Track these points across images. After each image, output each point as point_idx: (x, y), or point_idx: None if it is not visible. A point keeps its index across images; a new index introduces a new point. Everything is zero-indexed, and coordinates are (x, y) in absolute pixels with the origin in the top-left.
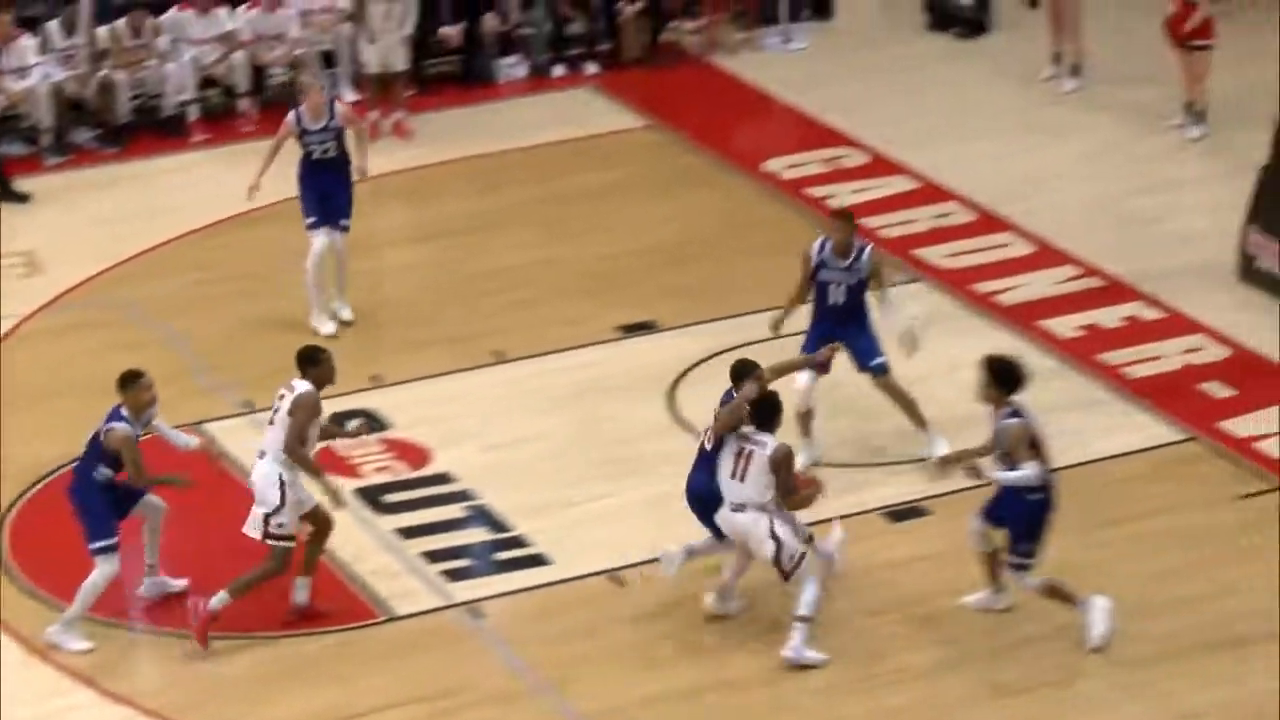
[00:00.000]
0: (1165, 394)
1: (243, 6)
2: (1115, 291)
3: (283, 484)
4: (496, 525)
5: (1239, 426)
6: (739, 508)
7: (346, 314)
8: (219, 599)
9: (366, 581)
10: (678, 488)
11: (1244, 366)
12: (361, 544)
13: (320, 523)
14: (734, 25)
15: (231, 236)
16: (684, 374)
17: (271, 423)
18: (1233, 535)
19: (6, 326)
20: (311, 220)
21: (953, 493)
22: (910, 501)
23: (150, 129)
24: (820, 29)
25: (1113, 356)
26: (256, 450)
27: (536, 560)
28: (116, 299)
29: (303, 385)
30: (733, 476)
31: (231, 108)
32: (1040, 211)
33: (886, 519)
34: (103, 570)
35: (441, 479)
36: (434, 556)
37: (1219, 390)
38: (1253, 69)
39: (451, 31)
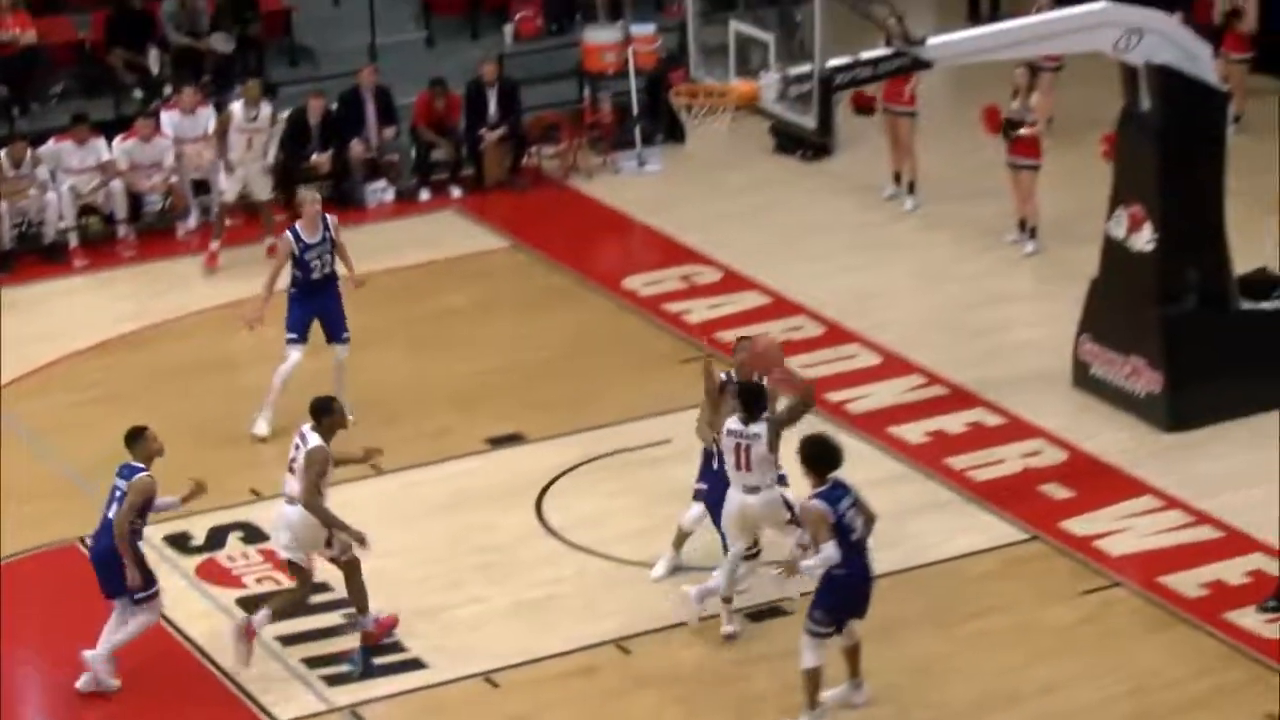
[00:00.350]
0: (1008, 496)
1: (119, 137)
2: (958, 399)
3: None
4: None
5: (1078, 526)
6: (752, 490)
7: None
8: (370, 619)
9: (250, 688)
10: (548, 591)
11: (1081, 469)
12: None
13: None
14: (591, 150)
15: (113, 357)
16: (551, 483)
17: (291, 471)
18: (1073, 629)
19: None
20: (294, 336)
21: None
22: (770, 602)
23: (33, 255)
24: (673, 152)
25: (958, 461)
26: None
27: (414, 664)
28: (4, 418)
29: (314, 438)
30: (738, 468)
31: (110, 234)
32: (885, 324)
33: (747, 620)
34: (147, 619)
35: (321, 588)
36: (315, 662)
37: (1058, 491)
38: (1084, 188)
39: (321, 158)
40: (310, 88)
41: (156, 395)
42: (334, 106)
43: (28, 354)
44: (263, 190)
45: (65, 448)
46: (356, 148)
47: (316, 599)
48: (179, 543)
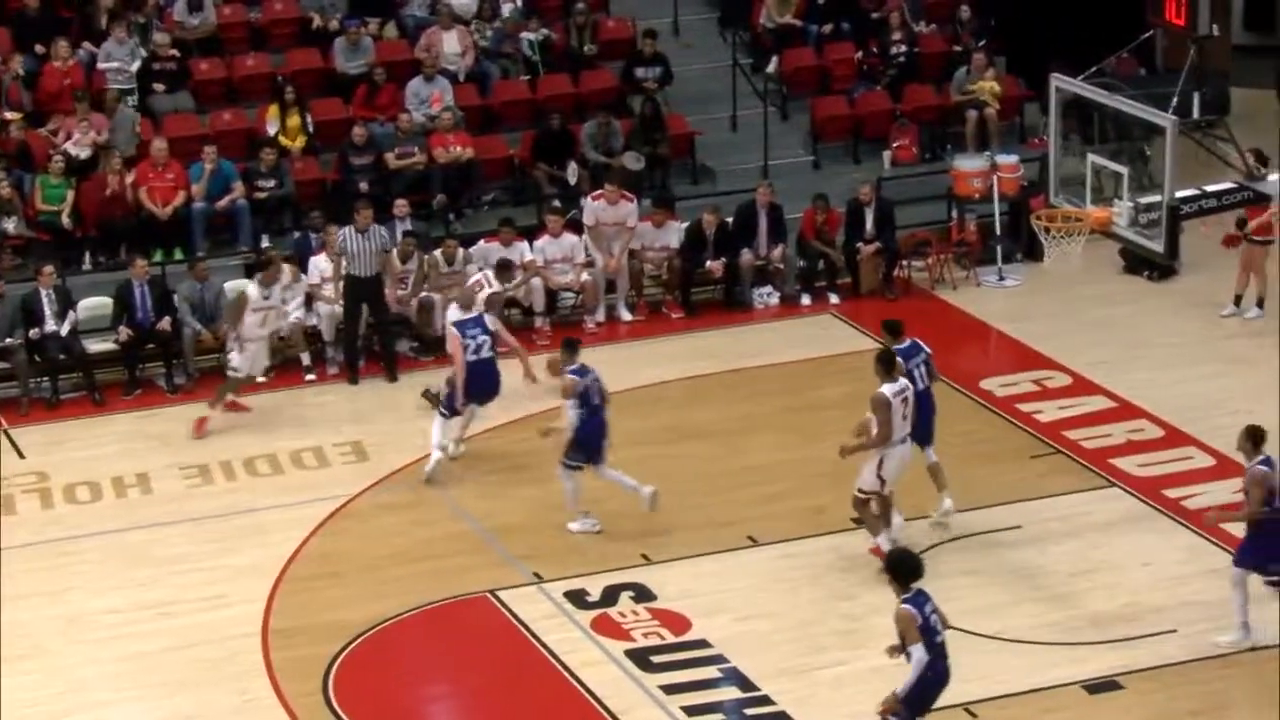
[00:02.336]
0: None
1: (543, 238)
2: None
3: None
4: (746, 685)
5: None
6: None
7: None
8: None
9: None
10: (901, 658)
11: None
12: (633, 698)
13: None
14: (957, 264)
15: (523, 434)
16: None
17: (904, 417)
18: None
19: (335, 505)
20: None
21: (1149, 669)
22: (1105, 676)
23: None
24: (1030, 269)
25: None
26: None
27: (782, 717)
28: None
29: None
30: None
31: (529, 324)
32: (1219, 430)
33: (1084, 691)
34: None
35: (700, 644)
36: (693, 711)
37: None
38: None
39: (715, 265)
40: (707, 203)
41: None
42: (728, 219)
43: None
44: (259, 366)
45: (480, 511)
46: (746, 256)
47: (696, 654)
48: (577, 598)
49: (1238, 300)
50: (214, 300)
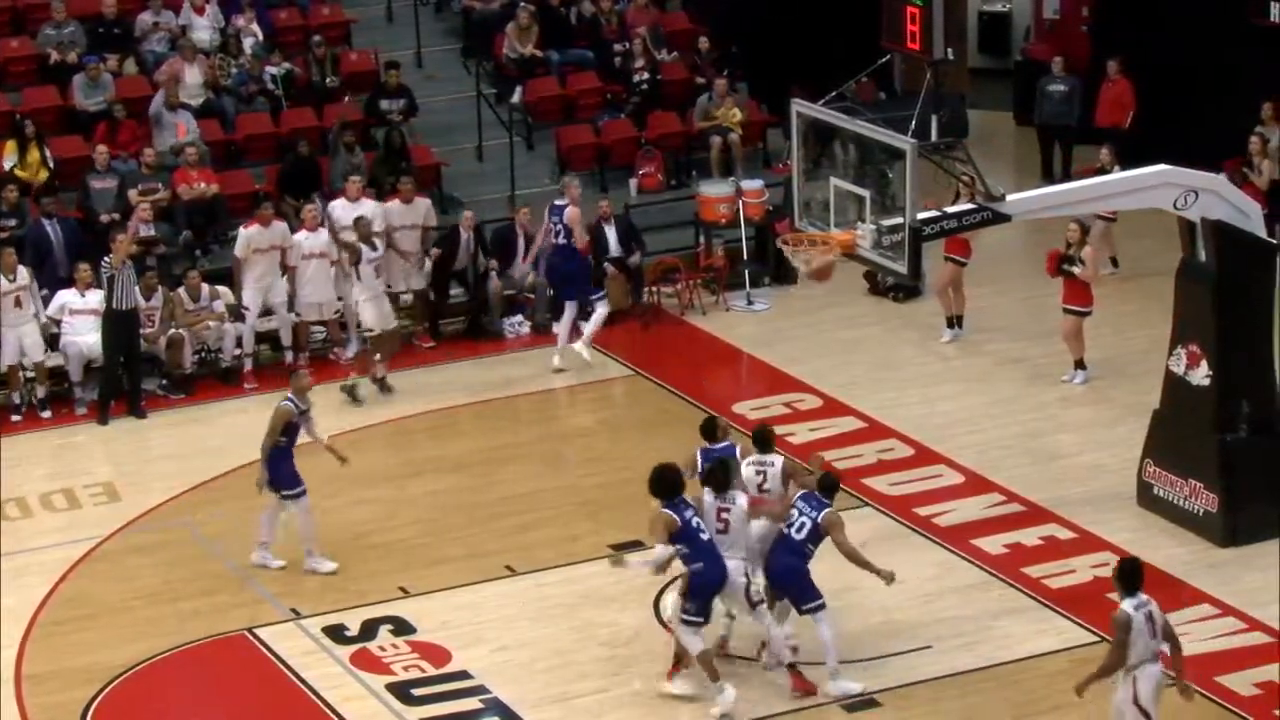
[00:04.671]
0: (1078, 602)
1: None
2: (1034, 515)
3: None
4: (508, 715)
5: None
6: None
7: None
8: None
9: None
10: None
11: (1145, 579)
12: None
13: None
14: (706, 290)
15: None
16: (668, 585)
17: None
18: None
19: (87, 547)
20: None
21: (905, 686)
22: (863, 695)
23: (210, 378)
24: (778, 293)
25: (1033, 570)
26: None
27: None
28: (181, 523)
29: (779, 459)
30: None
31: (278, 360)
32: (968, 447)
33: (842, 710)
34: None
35: (461, 675)
36: None
37: None
38: (1152, 329)
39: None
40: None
41: (316, 504)
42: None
43: (204, 465)
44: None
45: (234, 549)
46: (496, 284)
47: (458, 685)
48: (336, 633)
49: (953, 322)
50: None
